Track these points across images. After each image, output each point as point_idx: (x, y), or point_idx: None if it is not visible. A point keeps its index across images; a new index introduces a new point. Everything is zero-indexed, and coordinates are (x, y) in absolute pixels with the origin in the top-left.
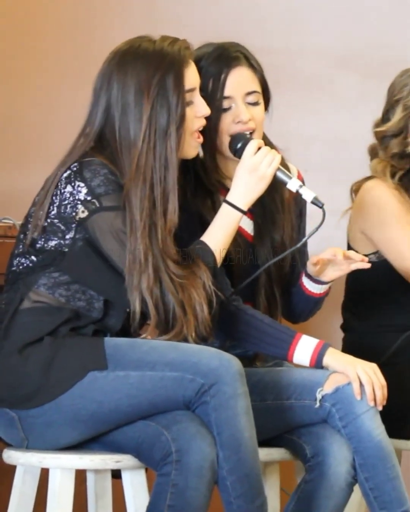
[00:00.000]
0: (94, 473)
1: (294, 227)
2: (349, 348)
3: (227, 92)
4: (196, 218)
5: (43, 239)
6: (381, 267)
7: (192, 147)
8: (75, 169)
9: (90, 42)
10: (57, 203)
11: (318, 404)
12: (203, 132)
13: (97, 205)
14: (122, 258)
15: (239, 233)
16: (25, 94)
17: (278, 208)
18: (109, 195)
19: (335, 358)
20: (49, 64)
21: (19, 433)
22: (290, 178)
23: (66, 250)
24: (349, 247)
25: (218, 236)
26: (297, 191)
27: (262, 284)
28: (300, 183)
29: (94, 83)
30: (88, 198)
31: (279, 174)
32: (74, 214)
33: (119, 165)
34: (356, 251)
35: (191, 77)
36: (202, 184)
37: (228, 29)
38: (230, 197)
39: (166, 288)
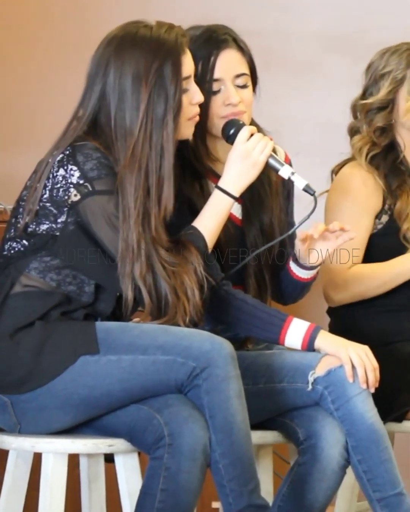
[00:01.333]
0: (87, 457)
1: (282, 209)
2: (335, 331)
3: (216, 75)
4: (185, 203)
5: (34, 223)
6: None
7: (188, 129)
8: (68, 152)
9: (80, 28)
10: (50, 187)
11: (310, 387)
12: None
13: (90, 188)
14: (113, 243)
15: (228, 217)
16: (15, 80)
17: (266, 191)
18: (102, 179)
19: (327, 340)
20: (39, 50)
21: (11, 418)
22: (282, 165)
23: (58, 233)
24: None
25: (209, 221)
26: (289, 178)
27: (251, 268)
28: (292, 170)
29: (89, 67)
30: (81, 182)
31: (271, 161)
32: (66, 197)
33: (113, 152)
34: None
35: (188, 65)
36: (191, 169)
37: (219, 11)
38: (221, 183)
39: (159, 274)
